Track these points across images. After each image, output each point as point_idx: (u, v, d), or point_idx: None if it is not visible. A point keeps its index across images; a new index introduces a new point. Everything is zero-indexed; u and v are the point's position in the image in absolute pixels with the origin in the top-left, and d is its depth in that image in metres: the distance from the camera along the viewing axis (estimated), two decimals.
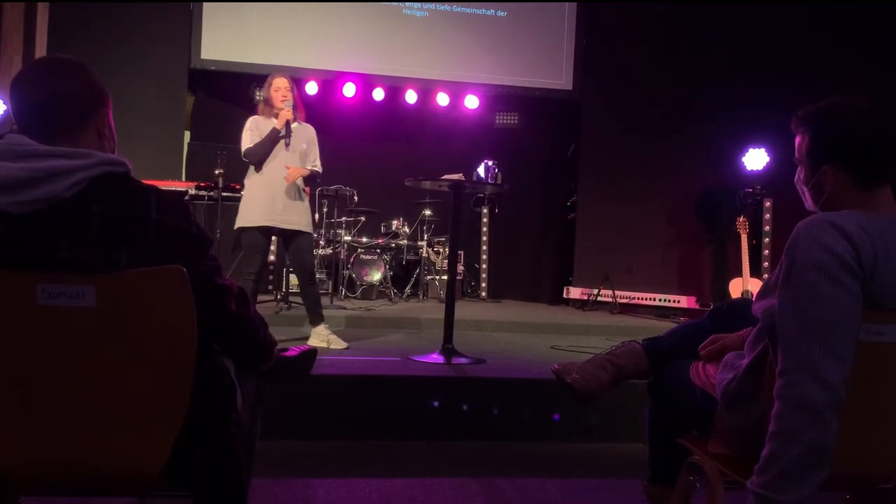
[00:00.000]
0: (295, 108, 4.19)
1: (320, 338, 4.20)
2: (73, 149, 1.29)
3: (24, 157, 1.26)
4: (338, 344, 4.21)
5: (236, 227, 4.20)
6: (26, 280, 1.24)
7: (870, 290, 1.38)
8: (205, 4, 6.96)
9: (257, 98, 7.30)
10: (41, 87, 1.33)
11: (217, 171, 6.05)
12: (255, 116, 4.24)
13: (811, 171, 1.56)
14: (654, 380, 1.98)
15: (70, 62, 1.37)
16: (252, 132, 4.13)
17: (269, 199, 4.10)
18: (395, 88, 7.54)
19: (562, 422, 3.36)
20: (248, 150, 4.11)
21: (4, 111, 5.56)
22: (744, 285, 6.04)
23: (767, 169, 6.36)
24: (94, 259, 1.26)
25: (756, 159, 6.40)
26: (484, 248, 7.62)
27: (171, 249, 1.30)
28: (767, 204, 6.32)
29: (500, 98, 7.78)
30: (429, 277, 7.40)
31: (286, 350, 1.81)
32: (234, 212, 6.52)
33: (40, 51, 6.09)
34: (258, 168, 4.14)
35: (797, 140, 1.61)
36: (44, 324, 1.25)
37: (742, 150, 6.45)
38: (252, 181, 4.18)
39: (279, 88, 4.18)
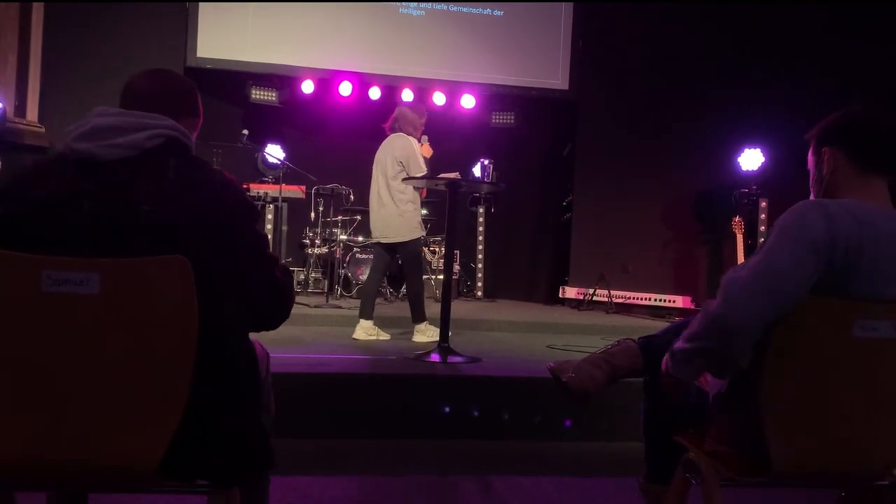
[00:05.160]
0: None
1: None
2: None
3: (117, 114, 1.46)
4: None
5: (415, 238, 4.65)
6: (32, 266, 1.25)
7: (851, 278, 1.43)
8: (200, 3, 6.94)
9: (251, 98, 7.30)
10: (156, 78, 1.61)
11: None
12: (415, 140, 4.66)
13: (816, 157, 1.65)
14: (649, 378, 1.98)
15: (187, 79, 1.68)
16: (421, 158, 4.60)
17: None
18: (391, 87, 7.53)
19: (559, 421, 3.37)
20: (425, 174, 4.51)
21: (1, 108, 5.53)
22: None
23: (763, 169, 6.38)
24: (173, 210, 1.37)
25: (751, 159, 6.42)
26: (480, 247, 7.62)
27: (229, 215, 1.43)
28: (763, 204, 6.33)
29: (497, 97, 7.78)
30: (425, 277, 7.38)
31: None
32: None
33: (35, 49, 6.07)
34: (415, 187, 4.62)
35: (812, 144, 1.70)
36: (48, 312, 1.26)
37: (738, 151, 6.47)
38: (415, 199, 4.68)
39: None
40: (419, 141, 4.73)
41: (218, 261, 1.39)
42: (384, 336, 4.72)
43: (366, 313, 4.69)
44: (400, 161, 4.55)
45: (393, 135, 4.71)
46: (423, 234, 4.60)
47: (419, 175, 4.44)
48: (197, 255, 1.31)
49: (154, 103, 1.52)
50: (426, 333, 4.57)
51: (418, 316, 4.64)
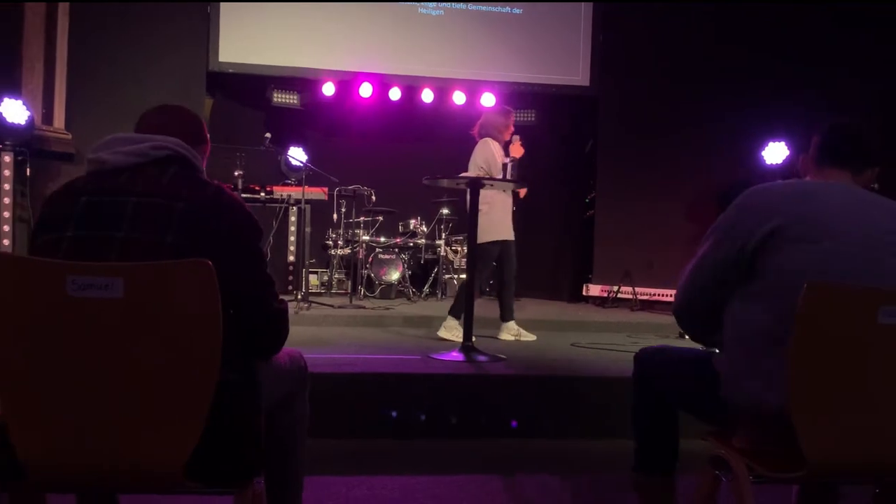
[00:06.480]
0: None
1: (510, 332, 4.77)
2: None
3: (130, 133, 1.57)
4: (528, 336, 4.81)
5: (494, 239, 4.61)
6: (58, 271, 1.27)
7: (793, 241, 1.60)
8: (222, 7, 7.00)
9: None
10: (166, 111, 1.67)
11: (236, 173, 6.08)
12: (494, 142, 4.71)
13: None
14: (637, 367, 2.00)
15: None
16: (499, 160, 4.62)
17: (510, 216, 4.79)
18: (411, 88, 7.54)
19: (583, 419, 3.35)
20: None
21: (29, 117, 5.62)
22: None
23: (788, 162, 6.28)
24: (158, 203, 1.44)
25: (776, 153, 6.33)
26: None
27: (223, 227, 1.48)
28: None
29: (517, 95, 7.75)
30: (447, 276, 7.39)
31: None
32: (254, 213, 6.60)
33: (61, 57, 6.17)
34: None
35: None
36: (74, 316, 1.28)
37: (762, 144, 6.38)
38: (499, 199, 4.66)
39: (513, 124, 4.90)
40: (510, 141, 4.78)
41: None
42: (528, 337, 4.82)
43: (507, 316, 4.84)
44: (481, 166, 4.65)
45: (480, 140, 4.83)
46: (501, 238, 4.63)
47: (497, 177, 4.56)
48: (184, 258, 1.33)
49: (164, 131, 1.59)
50: (451, 332, 4.60)
51: (454, 311, 4.70)
